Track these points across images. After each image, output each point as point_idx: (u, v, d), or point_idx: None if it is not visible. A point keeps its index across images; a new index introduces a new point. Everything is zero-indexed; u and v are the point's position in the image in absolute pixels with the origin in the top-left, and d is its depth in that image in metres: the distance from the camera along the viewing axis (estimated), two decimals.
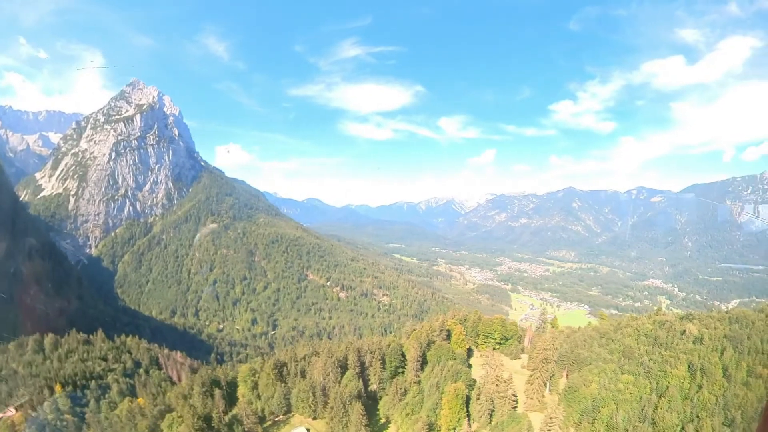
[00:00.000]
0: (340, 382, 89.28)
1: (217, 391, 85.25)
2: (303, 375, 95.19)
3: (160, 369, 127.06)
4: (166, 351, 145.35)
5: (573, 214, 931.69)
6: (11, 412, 79.34)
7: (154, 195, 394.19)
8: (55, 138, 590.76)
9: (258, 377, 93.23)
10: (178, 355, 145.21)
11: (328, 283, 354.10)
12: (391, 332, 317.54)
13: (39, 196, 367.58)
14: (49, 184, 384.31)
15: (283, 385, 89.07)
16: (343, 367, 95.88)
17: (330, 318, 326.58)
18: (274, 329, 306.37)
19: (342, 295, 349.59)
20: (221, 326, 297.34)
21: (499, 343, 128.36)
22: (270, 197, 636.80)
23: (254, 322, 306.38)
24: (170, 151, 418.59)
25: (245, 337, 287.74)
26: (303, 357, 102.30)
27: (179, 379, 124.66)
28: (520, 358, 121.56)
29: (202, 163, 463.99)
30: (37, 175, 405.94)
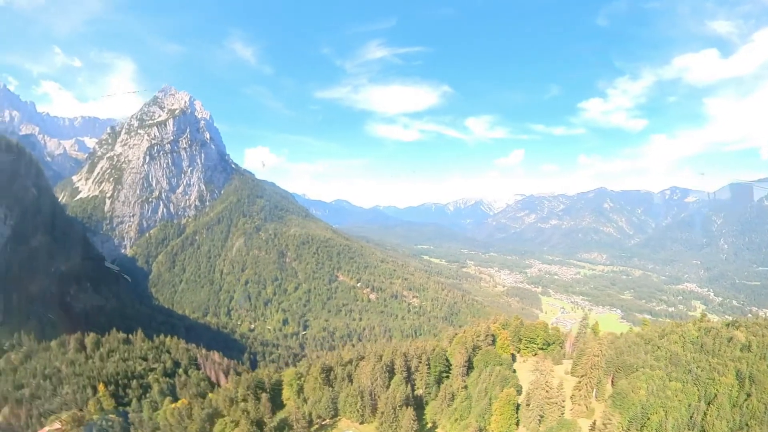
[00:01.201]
0: (388, 387, 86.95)
1: (263, 395, 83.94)
2: (350, 379, 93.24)
3: (198, 369, 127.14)
4: (203, 351, 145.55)
5: (604, 215, 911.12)
6: (57, 426, 79.51)
7: (187, 197, 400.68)
8: (90, 143, 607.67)
9: (304, 381, 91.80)
10: (216, 356, 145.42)
11: (358, 285, 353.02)
12: (420, 334, 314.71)
13: (76, 198, 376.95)
14: (85, 187, 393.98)
15: (330, 389, 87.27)
16: (390, 372, 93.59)
17: (360, 319, 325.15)
18: (305, 330, 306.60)
19: (372, 296, 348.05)
20: (253, 326, 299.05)
21: (541, 348, 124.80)
22: (299, 199, 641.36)
23: (285, 322, 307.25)
24: (202, 155, 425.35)
25: (276, 337, 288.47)
26: (349, 361, 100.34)
27: (217, 380, 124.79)
28: (561, 364, 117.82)
29: (233, 166, 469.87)
30: (74, 178, 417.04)
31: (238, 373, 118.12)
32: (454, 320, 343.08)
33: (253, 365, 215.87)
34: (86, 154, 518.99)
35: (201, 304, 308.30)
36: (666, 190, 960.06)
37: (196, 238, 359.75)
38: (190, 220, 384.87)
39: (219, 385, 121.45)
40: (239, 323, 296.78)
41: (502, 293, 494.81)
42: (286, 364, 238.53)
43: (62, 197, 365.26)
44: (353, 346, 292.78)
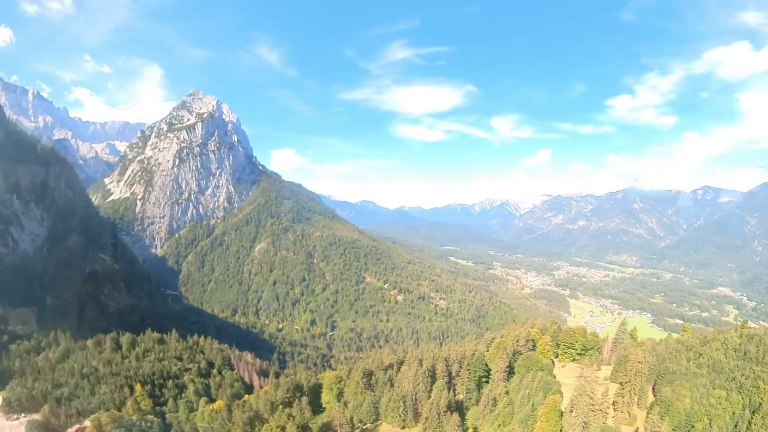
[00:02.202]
0: (429, 392, 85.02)
1: (303, 399, 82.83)
2: (390, 384, 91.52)
3: (232, 370, 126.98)
4: (236, 352, 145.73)
5: (634, 215, 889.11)
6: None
7: (215, 198, 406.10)
8: (120, 146, 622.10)
9: (344, 385, 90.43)
10: (248, 356, 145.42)
11: (385, 286, 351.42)
12: (447, 337, 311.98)
13: (108, 200, 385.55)
14: (117, 189, 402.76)
15: (371, 393, 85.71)
16: (432, 377, 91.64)
17: (387, 321, 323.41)
18: (332, 330, 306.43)
19: (399, 298, 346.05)
20: (281, 326, 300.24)
21: (579, 354, 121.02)
22: (325, 200, 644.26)
23: (313, 322, 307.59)
24: (230, 157, 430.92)
25: (304, 338, 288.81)
26: (389, 365, 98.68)
27: (251, 381, 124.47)
28: (600, 369, 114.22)
29: (260, 168, 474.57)
30: (106, 181, 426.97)
31: (277, 376, 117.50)
32: (481, 323, 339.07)
33: (282, 365, 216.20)
34: (117, 158, 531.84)
35: (230, 303, 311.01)
36: (698, 190, 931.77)
37: (225, 238, 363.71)
38: (218, 221, 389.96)
39: (252, 386, 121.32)
40: (267, 323, 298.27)
41: (530, 296, 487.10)
42: (314, 365, 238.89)
43: (95, 199, 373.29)
44: (380, 347, 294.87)
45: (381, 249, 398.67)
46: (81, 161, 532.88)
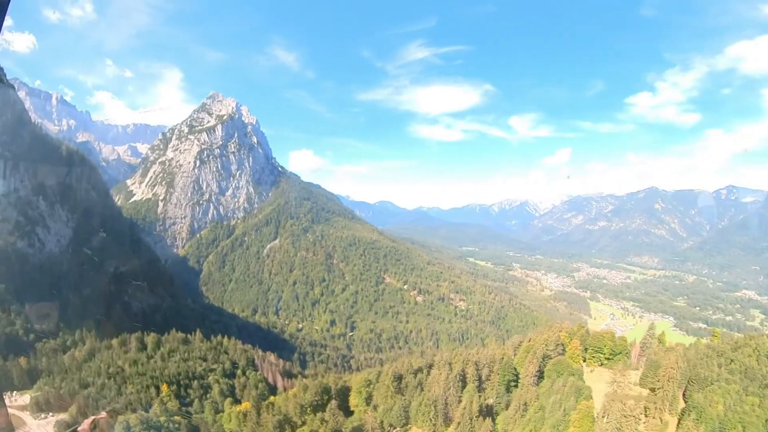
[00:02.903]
0: (460, 396, 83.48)
1: (332, 402, 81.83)
2: (420, 387, 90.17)
3: (256, 370, 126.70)
4: (260, 352, 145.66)
5: (656, 216, 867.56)
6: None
7: (236, 199, 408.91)
8: (142, 148, 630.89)
9: (373, 388, 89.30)
10: (272, 357, 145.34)
11: (405, 287, 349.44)
12: (467, 338, 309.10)
13: (130, 201, 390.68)
14: (139, 190, 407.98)
15: (401, 397, 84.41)
16: (462, 381, 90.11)
17: (407, 322, 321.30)
18: (352, 331, 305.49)
19: (419, 299, 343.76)
20: (300, 326, 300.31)
21: (608, 359, 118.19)
22: (343, 200, 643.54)
23: (333, 323, 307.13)
24: (250, 158, 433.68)
25: (324, 338, 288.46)
26: (419, 369, 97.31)
27: (274, 382, 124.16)
28: (617, 374, 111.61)
29: (280, 169, 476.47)
30: (128, 182, 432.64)
31: (300, 377, 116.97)
32: (501, 324, 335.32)
33: (303, 365, 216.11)
34: (139, 159, 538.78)
35: (250, 303, 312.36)
36: (722, 190, 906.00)
37: (245, 239, 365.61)
38: (239, 221, 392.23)
39: (276, 387, 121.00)
40: (287, 323, 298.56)
41: (550, 297, 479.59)
42: (335, 365, 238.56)
43: (117, 200, 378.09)
44: (400, 349, 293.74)
45: (400, 250, 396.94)
46: (104, 163, 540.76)
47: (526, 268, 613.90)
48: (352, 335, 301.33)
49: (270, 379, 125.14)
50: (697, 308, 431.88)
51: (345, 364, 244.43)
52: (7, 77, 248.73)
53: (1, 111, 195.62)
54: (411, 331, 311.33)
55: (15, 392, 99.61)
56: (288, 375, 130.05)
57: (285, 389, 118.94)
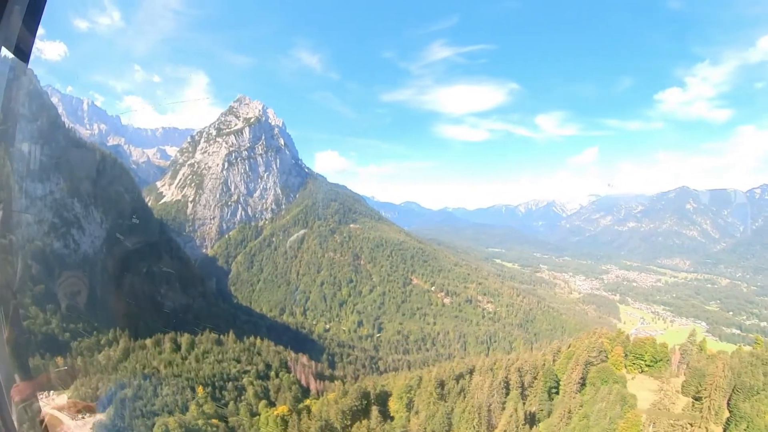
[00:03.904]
0: (503, 403, 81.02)
1: (374, 408, 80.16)
2: (461, 394, 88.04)
3: (289, 372, 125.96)
4: (292, 354, 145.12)
5: (687, 217, 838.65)
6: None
7: (263, 201, 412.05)
8: (171, 151, 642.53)
9: (414, 394, 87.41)
10: (304, 359, 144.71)
11: (432, 288, 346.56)
12: (495, 341, 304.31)
13: (160, 202, 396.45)
14: (169, 192, 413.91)
15: (444, 403, 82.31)
16: (505, 387, 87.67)
17: (434, 324, 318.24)
18: (379, 332, 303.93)
19: (446, 300, 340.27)
20: (328, 326, 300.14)
21: (648, 365, 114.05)
22: (368, 201, 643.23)
23: (360, 324, 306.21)
24: (277, 160, 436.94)
25: (351, 339, 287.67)
26: (460, 374, 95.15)
27: (307, 384, 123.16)
28: (665, 382, 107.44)
29: (306, 170, 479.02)
30: (158, 184, 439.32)
31: (337, 379, 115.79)
32: (529, 328, 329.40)
33: (332, 366, 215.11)
34: (168, 162, 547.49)
35: (278, 303, 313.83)
36: (756, 189, 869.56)
37: (273, 239, 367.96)
38: (267, 222, 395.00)
39: (309, 390, 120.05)
40: (315, 323, 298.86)
41: (578, 300, 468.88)
42: (363, 366, 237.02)
43: (148, 201, 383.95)
44: (427, 351, 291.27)
45: (427, 251, 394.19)
46: (134, 165, 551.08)
47: (553, 270, 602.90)
48: (379, 336, 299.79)
49: (303, 381, 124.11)
50: (731, 313, 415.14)
51: (373, 366, 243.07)
52: (41, 84, 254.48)
53: (37, 116, 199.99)
54: (438, 333, 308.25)
55: (52, 392, 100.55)
56: (320, 377, 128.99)
57: (318, 392, 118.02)
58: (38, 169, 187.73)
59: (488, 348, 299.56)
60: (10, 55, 4.02)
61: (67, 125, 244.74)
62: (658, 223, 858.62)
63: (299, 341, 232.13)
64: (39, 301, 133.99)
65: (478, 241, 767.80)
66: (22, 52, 5.05)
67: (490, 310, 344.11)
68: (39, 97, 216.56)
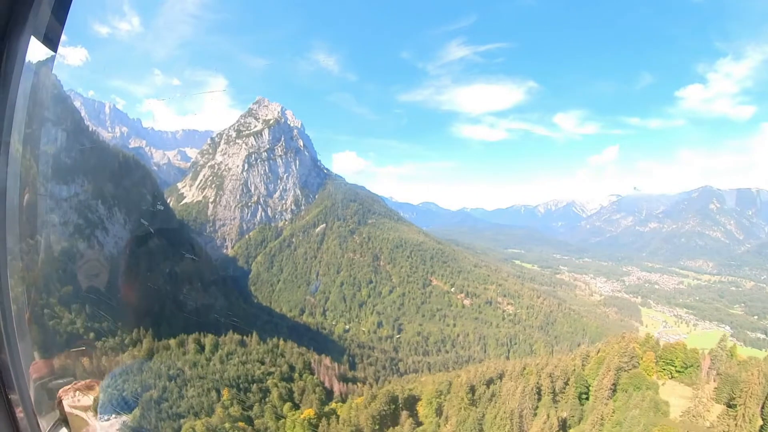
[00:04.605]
0: (535, 409, 79.01)
1: (403, 413, 78.76)
2: (493, 399, 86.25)
3: (312, 374, 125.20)
4: (315, 355, 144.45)
5: (710, 217, 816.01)
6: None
7: (283, 201, 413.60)
8: (191, 153, 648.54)
9: (444, 399, 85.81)
10: (327, 360, 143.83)
11: (452, 290, 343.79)
12: (515, 344, 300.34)
13: (181, 203, 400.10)
14: (190, 193, 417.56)
15: (474, 409, 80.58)
16: (538, 393, 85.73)
17: (454, 325, 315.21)
18: (399, 333, 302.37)
19: (466, 302, 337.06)
20: (347, 327, 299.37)
21: (678, 371, 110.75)
22: (387, 201, 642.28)
23: (380, 324, 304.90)
24: (297, 161, 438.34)
25: (371, 340, 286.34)
26: (491, 379, 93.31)
27: (331, 386, 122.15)
28: (699, 389, 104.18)
29: (325, 171, 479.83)
30: (179, 185, 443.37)
31: (359, 381, 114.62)
32: (550, 330, 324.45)
33: (352, 367, 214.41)
34: (188, 163, 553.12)
35: (297, 303, 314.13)
36: None
37: (293, 240, 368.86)
38: (286, 223, 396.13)
39: (333, 392, 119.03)
40: (334, 323, 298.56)
41: (599, 303, 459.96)
42: (383, 368, 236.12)
43: (169, 202, 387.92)
44: (447, 352, 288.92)
45: (446, 252, 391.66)
46: (155, 167, 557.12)
47: (573, 272, 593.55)
48: (399, 338, 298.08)
49: (326, 383, 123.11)
50: (756, 317, 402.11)
51: (393, 367, 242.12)
52: (64, 88, 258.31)
53: (61, 120, 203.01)
54: (458, 335, 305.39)
55: (78, 392, 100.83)
56: (343, 379, 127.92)
57: (341, 394, 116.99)
58: (63, 171, 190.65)
59: (508, 350, 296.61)
60: (34, 60, 4.29)
61: (90, 128, 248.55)
62: (680, 223, 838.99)
63: (320, 342, 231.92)
64: (64, 301, 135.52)
65: (497, 241, 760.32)
66: (51, 41, 5.08)
67: (511, 312, 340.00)
68: (63, 101, 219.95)
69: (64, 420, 6.85)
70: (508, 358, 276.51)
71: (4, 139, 4.21)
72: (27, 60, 4.06)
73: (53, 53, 5.23)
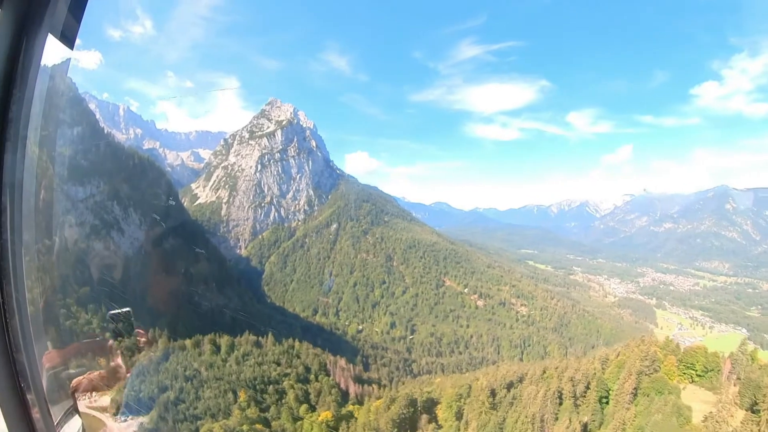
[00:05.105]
0: (556, 413, 77.57)
1: (423, 416, 77.78)
2: (513, 403, 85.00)
3: (328, 375, 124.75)
4: (331, 357, 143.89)
5: (727, 217, 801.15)
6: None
7: (296, 202, 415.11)
8: (204, 154, 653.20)
9: (464, 402, 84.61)
10: (342, 362, 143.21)
11: (465, 290, 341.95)
12: (529, 345, 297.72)
13: (195, 204, 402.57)
14: (203, 194, 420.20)
15: (495, 413, 79.36)
16: (559, 397, 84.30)
17: (468, 326, 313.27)
18: (412, 334, 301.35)
19: (480, 303, 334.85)
20: (360, 327, 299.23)
21: (699, 376, 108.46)
22: (399, 201, 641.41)
23: (393, 325, 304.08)
24: (310, 162, 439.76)
25: (384, 340, 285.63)
26: (511, 383, 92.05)
27: (346, 387, 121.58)
28: (720, 393, 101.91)
29: (338, 172, 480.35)
30: (193, 186, 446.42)
31: (374, 382, 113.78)
32: (564, 332, 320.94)
33: (366, 368, 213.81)
34: (201, 164, 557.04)
35: (310, 303, 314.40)
36: None
37: (306, 240, 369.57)
38: (299, 223, 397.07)
39: (348, 393, 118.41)
40: (347, 324, 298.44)
41: (613, 304, 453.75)
42: (397, 369, 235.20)
43: (183, 203, 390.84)
44: (460, 354, 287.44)
45: (459, 252, 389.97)
46: (169, 168, 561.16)
47: (587, 273, 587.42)
48: (412, 338, 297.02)
49: (342, 385, 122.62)
50: None
51: (407, 368, 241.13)
52: (79, 91, 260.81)
53: (77, 122, 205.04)
54: (471, 336, 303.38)
55: (95, 393, 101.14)
56: (359, 381, 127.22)
57: (357, 396, 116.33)
58: (79, 172, 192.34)
59: (522, 352, 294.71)
60: (51, 58, 4.48)
61: (105, 130, 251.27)
62: (695, 224, 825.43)
63: (333, 342, 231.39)
64: (81, 301, 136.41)
65: (510, 242, 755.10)
66: (68, 40, 5.16)
67: (524, 313, 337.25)
68: (78, 103, 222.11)
69: (76, 410, 6.57)
70: (521, 360, 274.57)
71: (22, 139, 4.40)
72: (44, 58, 4.77)
73: (70, 51, 5.31)
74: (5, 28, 4.18)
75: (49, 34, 4.68)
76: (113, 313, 7.24)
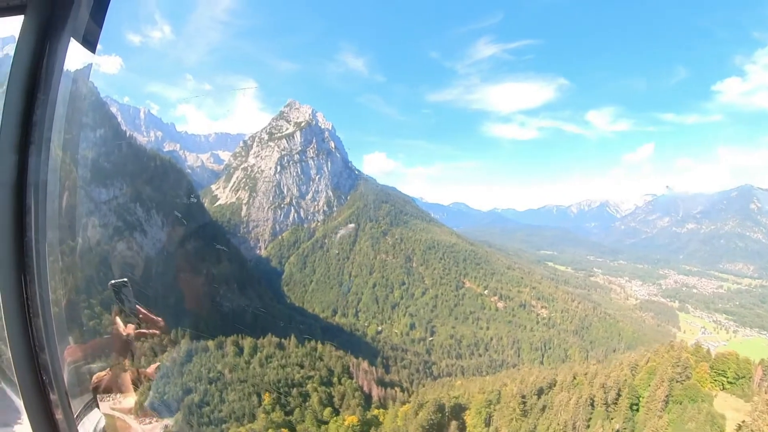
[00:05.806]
0: (588, 421, 75.52)
1: (452, 423, 76.34)
2: (543, 410, 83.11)
3: (351, 378, 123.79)
4: (354, 359, 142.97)
5: (751, 217, 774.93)
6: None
7: (315, 203, 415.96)
8: (223, 155, 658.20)
9: (493, 408, 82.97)
10: (365, 364, 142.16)
11: (485, 292, 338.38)
12: (550, 348, 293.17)
13: (215, 205, 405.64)
14: (223, 195, 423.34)
15: (526, 420, 77.65)
16: (591, 404, 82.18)
17: (488, 328, 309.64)
18: (431, 336, 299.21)
19: (500, 305, 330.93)
20: (380, 328, 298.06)
21: (730, 383, 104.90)
22: (417, 202, 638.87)
23: (412, 326, 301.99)
24: (329, 163, 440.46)
25: (404, 342, 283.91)
26: (540, 389, 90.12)
27: (369, 391, 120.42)
28: (752, 401, 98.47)
29: (357, 173, 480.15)
30: (213, 187, 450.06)
31: (398, 386, 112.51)
32: (585, 335, 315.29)
33: (386, 370, 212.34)
34: (221, 166, 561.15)
35: (330, 304, 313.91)
36: None
37: (325, 241, 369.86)
38: (319, 224, 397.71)
39: (371, 397, 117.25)
40: (367, 325, 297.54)
41: (635, 307, 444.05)
42: (417, 371, 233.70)
43: (204, 204, 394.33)
44: (480, 356, 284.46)
45: (479, 253, 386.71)
46: (189, 170, 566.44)
47: (608, 274, 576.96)
48: (431, 340, 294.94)
49: (365, 388, 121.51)
50: None
51: (427, 371, 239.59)
52: (101, 95, 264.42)
53: (99, 125, 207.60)
54: (491, 339, 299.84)
55: (119, 394, 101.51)
56: (381, 384, 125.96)
57: (380, 399, 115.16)
58: (102, 175, 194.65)
59: (542, 355, 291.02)
60: (74, 62, 5.04)
61: (126, 133, 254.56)
62: (719, 224, 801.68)
63: (353, 344, 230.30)
64: (105, 303, 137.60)
65: (529, 243, 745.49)
66: (90, 44, 5.31)
67: (545, 315, 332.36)
68: (100, 107, 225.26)
69: (95, 403, 7.04)
70: (542, 363, 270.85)
71: (46, 142, 4.58)
72: (67, 62, 4.89)
73: (92, 56, 5.47)
74: (29, 33, 4.33)
75: (72, 39, 4.83)
76: (114, 282, 7.47)
